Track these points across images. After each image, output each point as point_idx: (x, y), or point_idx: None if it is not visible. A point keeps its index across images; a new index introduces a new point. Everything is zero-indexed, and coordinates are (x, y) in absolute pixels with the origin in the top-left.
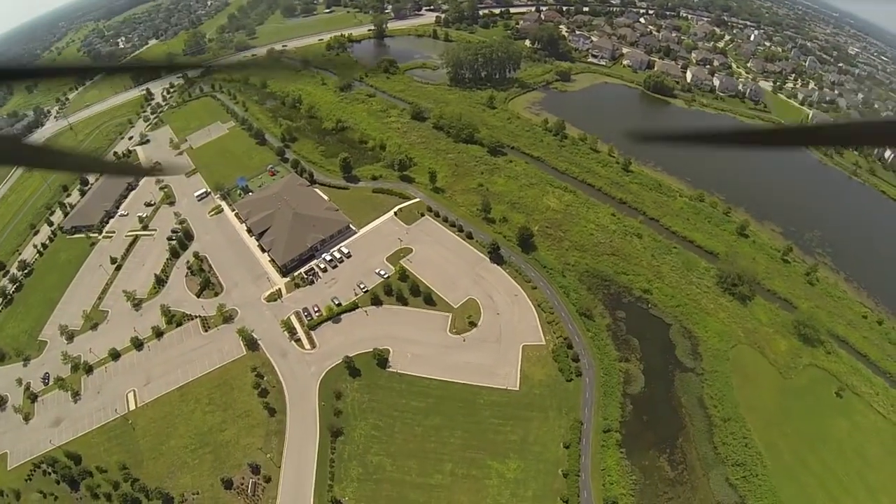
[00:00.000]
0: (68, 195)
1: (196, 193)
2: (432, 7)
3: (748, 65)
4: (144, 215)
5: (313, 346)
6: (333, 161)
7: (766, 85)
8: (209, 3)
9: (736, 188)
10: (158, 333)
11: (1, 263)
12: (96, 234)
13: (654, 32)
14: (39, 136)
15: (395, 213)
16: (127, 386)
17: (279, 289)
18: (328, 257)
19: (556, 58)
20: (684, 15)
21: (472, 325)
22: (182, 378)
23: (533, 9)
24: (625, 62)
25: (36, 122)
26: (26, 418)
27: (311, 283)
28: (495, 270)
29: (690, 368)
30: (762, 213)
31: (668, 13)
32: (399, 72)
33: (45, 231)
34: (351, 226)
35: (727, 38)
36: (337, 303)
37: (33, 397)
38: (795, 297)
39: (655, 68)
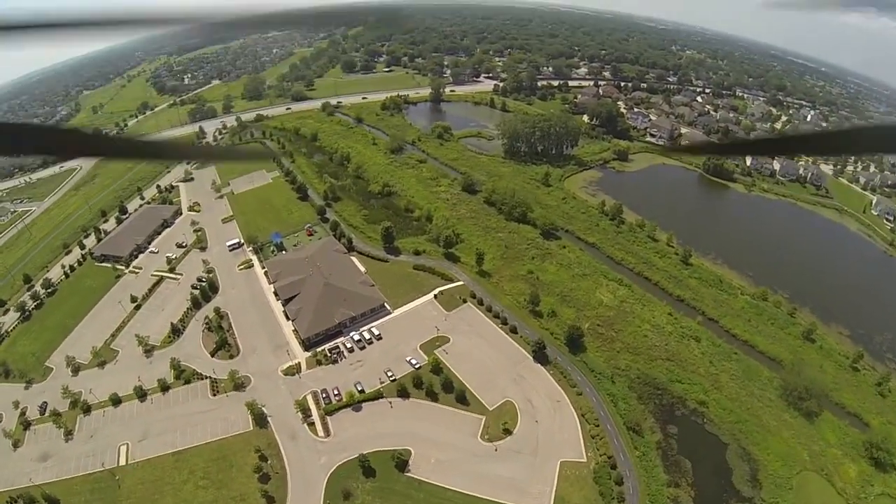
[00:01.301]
0: (105, 221)
1: (228, 243)
2: (491, 75)
3: None
4: (173, 257)
5: (327, 433)
6: (375, 228)
7: (827, 168)
8: (274, 51)
9: (801, 284)
10: (164, 387)
11: (27, 277)
12: (123, 268)
13: (711, 112)
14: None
15: (436, 296)
16: (121, 437)
17: (299, 363)
18: (356, 337)
19: (613, 135)
20: (740, 94)
21: (507, 432)
22: (180, 442)
23: (591, 83)
24: (683, 143)
25: None
26: (15, 445)
27: (335, 362)
28: (538, 371)
29: (748, 498)
30: (829, 313)
31: (724, 92)
32: (453, 139)
33: (76, 253)
34: (386, 305)
35: (784, 118)
36: (360, 389)
37: (26, 424)
38: (866, 412)
39: None
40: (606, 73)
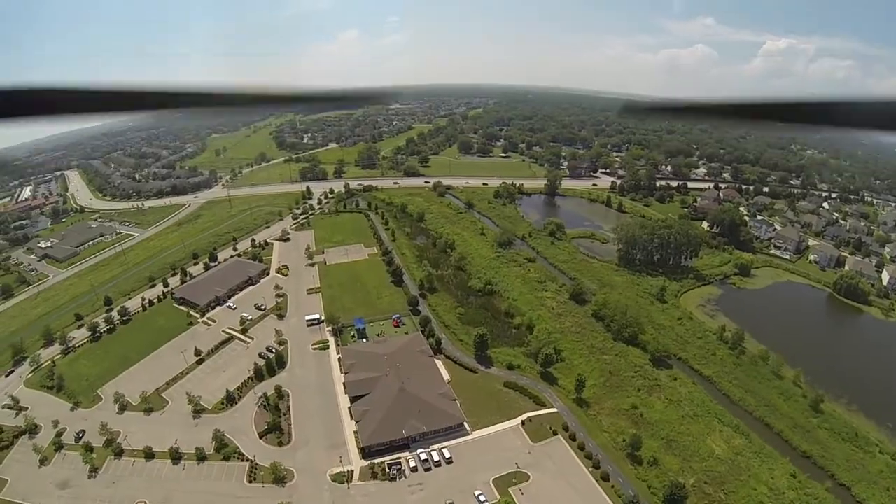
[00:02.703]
0: (195, 263)
1: (308, 317)
2: (608, 171)
3: None
4: (249, 318)
5: None
6: (469, 331)
7: None
8: (394, 122)
9: None
10: (201, 457)
11: (108, 299)
12: (198, 316)
13: (840, 221)
14: (206, 195)
15: (523, 423)
16: (142, 494)
17: (351, 471)
18: (423, 455)
19: (735, 245)
20: (869, 199)
21: None
22: None
23: (711, 185)
24: (811, 257)
25: (207, 182)
26: (42, 462)
27: (393, 479)
28: None
29: None
30: None
31: (852, 197)
32: (565, 238)
33: (158, 289)
34: (465, 424)
35: None
36: None
37: (59, 446)
38: None
39: (846, 266)
40: (726, 175)
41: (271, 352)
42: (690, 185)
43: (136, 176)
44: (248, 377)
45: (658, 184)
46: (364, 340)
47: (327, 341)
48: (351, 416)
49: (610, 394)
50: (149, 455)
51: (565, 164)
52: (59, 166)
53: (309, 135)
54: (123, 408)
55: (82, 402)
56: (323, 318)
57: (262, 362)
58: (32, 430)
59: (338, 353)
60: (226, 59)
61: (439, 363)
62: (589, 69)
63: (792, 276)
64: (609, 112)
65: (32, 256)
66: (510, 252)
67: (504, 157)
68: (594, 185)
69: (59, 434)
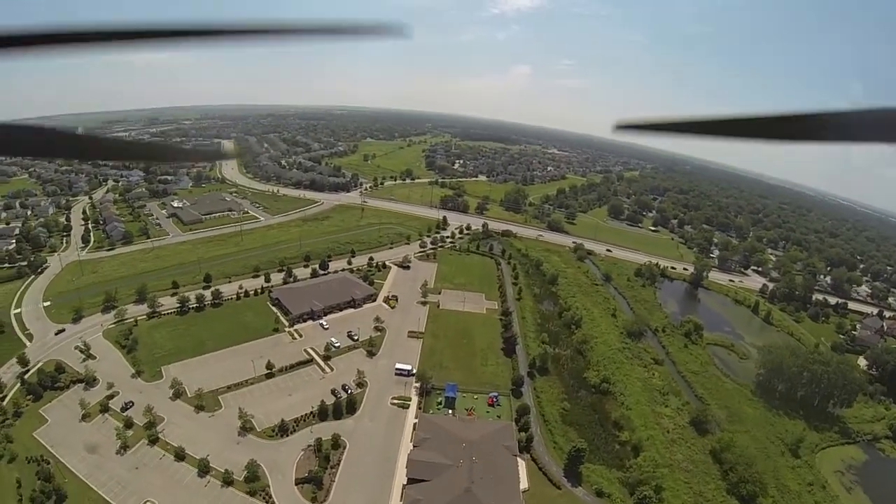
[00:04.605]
0: (305, 266)
1: (399, 365)
2: (760, 269)
3: None
4: (337, 345)
5: None
6: (569, 433)
7: None
8: (549, 168)
9: None
10: (227, 481)
11: (208, 277)
12: (286, 324)
13: None
14: (342, 197)
15: None
16: (154, 493)
17: None
18: None
19: (894, 399)
20: None
21: None
22: None
23: (875, 311)
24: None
25: (346, 185)
26: (83, 418)
27: None
28: None
29: None
30: None
31: None
32: (701, 343)
33: (258, 282)
34: None
35: None
36: None
37: (105, 408)
38: None
39: None
40: (893, 300)
41: (346, 391)
42: (851, 305)
43: (283, 161)
44: (311, 412)
45: (814, 296)
46: (450, 412)
47: (409, 401)
48: (401, 499)
49: None
50: (179, 456)
51: (716, 252)
52: (219, 134)
53: (461, 161)
54: (177, 395)
55: (143, 374)
56: (415, 370)
57: (331, 400)
58: (90, 381)
59: (415, 419)
60: (404, 83)
61: (522, 465)
62: (751, 150)
63: None
64: (768, 199)
65: (163, 212)
66: (638, 346)
67: (653, 230)
68: (742, 282)
69: (110, 397)
